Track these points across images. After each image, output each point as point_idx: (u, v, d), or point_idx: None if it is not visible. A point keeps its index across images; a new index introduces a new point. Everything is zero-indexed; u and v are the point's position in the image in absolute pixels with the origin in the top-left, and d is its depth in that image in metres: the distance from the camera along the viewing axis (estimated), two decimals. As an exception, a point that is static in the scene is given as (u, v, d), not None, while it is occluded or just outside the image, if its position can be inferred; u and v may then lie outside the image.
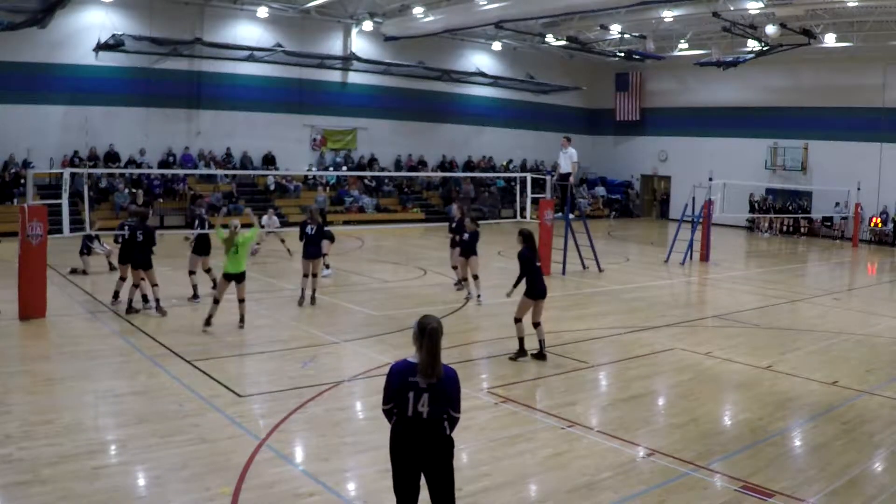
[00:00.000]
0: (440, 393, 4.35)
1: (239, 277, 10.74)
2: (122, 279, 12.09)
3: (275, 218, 19.35)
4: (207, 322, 10.58)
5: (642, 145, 36.05)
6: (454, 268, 14.50)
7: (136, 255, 11.51)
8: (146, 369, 8.69)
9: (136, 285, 11.61)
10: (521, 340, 9.56)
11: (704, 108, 32.92)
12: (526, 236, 9.77)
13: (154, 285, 11.64)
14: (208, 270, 13.15)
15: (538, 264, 9.78)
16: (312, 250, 12.60)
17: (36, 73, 22.89)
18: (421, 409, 4.32)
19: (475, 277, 13.53)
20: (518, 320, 9.57)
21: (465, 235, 13.55)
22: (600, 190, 35.86)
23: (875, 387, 8.85)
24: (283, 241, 18.55)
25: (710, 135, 32.48)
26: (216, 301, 10.68)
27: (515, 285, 9.72)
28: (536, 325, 9.55)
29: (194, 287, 12.84)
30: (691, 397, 8.42)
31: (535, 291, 9.51)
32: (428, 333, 4.33)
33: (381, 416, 7.63)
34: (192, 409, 7.39)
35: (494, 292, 14.52)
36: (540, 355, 9.52)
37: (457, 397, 4.44)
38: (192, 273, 12.91)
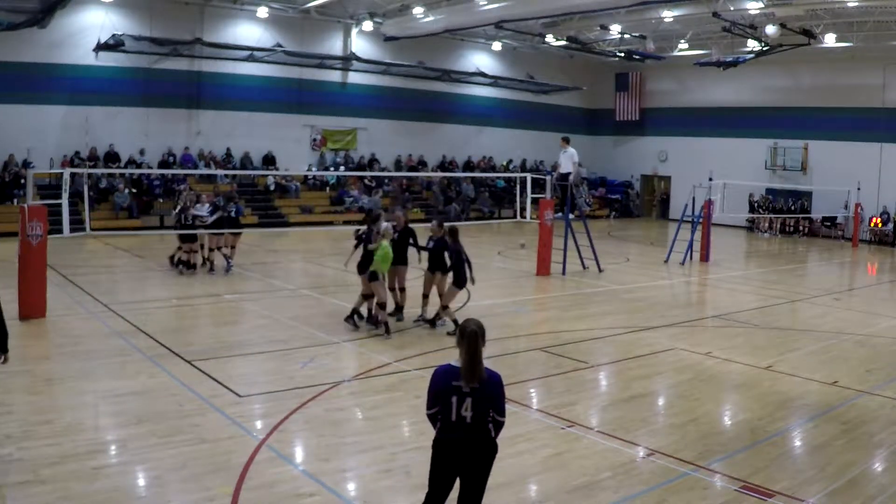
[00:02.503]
0: (483, 397, 4.31)
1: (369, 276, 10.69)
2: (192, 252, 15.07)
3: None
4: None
5: (642, 145, 36.04)
6: (392, 290, 11.66)
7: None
8: (146, 369, 8.68)
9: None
10: (456, 322, 10.40)
11: (704, 108, 32.91)
12: (450, 230, 11.13)
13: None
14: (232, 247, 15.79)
15: (465, 258, 10.99)
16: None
17: (36, 73, 22.88)
18: (464, 414, 4.29)
19: (425, 297, 11.66)
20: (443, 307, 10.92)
21: (430, 244, 11.41)
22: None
23: (875, 387, 8.85)
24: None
25: (710, 135, 32.47)
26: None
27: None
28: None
29: (224, 259, 15.62)
30: (691, 397, 8.42)
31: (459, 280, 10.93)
32: (467, 337, 4.29)
33: (381, 416, 7.63)
34: (192, 409, 7.39)
35: (495, 292, 14.54)
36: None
37: (500, 401, 4.41)
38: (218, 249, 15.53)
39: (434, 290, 11.36)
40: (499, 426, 4.43)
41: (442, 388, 4.34)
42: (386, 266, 10.64)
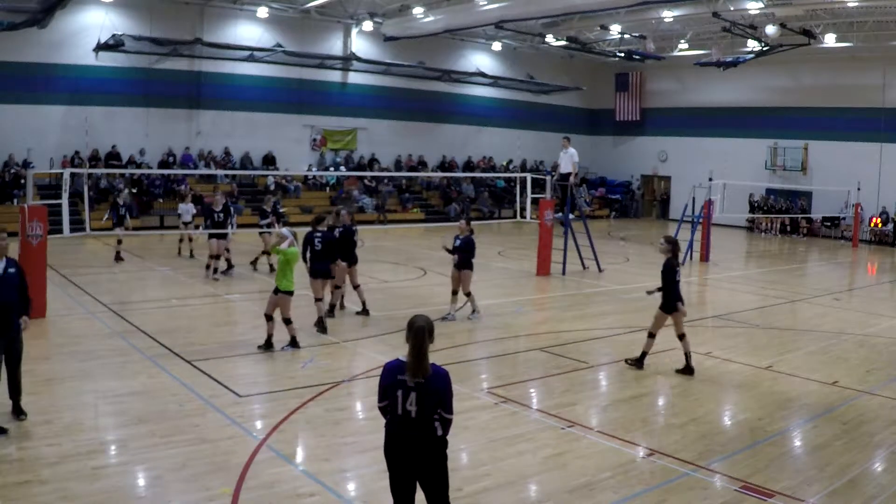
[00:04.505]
0: (428, 392, 4.33)
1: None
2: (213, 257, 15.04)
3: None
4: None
5: (642, 145, 36.05)
6: (339, 288, 11.90)
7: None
8: (146, 369, 8.68)
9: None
10: (644, 355, 9.38)
11: (704, 108, 32.92)
12: (672, 244, 9.35)
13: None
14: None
15: (678, 279, 9.29)
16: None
17: (36, 73, 22.88)
18: (409, 408, 4.32)
19: (467, 294, 11.75)
20: (652, 335, 9.38)
21: (457, 242, 11.62)
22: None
23: (875, 387, 8.85)
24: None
25: (710, 135, 32.49)
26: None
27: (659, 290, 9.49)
28: (681, 336, 9.25)
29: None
30: (691, 397, 8.42)
31: (669, 305, 9.26)
32: (414, 332, 4.35)
33: (380, 416, 7.65)
34: (192, 409, 7.39)
35: (495, 292, 14.54)
36: (686, 369, 9.16)
37: (447, 397, 4.41)
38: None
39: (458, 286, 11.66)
40: (446, 423, 4.42)
41: (389, 382, 4.40)
42: (281, 279, 9.43)
